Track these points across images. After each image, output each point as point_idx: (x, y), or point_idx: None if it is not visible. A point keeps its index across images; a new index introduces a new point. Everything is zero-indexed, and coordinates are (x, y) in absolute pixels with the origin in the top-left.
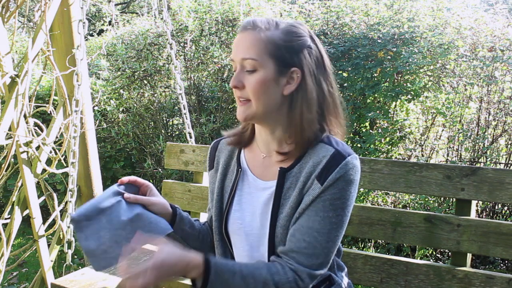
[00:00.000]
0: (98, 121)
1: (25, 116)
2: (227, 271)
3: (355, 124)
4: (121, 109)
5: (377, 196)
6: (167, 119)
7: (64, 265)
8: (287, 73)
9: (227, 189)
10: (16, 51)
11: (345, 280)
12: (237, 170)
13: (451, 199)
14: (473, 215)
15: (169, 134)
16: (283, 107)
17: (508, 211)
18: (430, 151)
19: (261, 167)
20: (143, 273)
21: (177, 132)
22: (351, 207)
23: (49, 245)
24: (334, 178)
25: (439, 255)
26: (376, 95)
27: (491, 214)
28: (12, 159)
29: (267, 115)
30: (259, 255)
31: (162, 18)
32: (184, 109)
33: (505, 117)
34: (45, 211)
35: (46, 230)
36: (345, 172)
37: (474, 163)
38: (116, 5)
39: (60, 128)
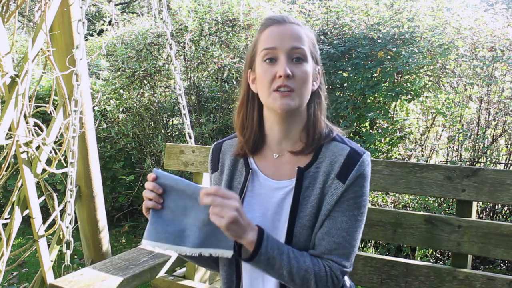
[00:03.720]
0: (98, 121)
1: (25, 116)
2: (277, 248)
3: (355, 124)
4: (121, 109)
5: (377, 196)
6: (167, 119)
7: (63, 265)
8: (316, 69)
9: (235, 191)
10: (16, 51)
11: (347, 282)
12: (247, 171)
13: (451, 199)
14: (473, 216)
15: (169, 134)
16: (306, 103)
17: (508, 211)
18: (430, 151)
19: (272, 167)
20: (225, 209)
21: (177, 132)
22: (367, 202)
23: (49, 245)
24: (354, 176)
25: (439, 255)
26: (376, 95)
27: (491, 214)
28: (12, 159)
29: (300, 109)
30: None
31: (162, 18)
32: (184, 109)
33: (505, 117)
34: (45, 211)
35: (46, 230)
36: (363, 169)
37: (474, 163)
38: (116, 5)
39: (60, 128)
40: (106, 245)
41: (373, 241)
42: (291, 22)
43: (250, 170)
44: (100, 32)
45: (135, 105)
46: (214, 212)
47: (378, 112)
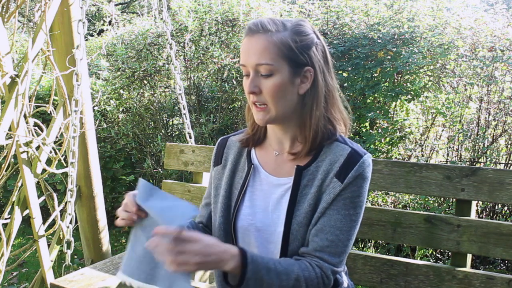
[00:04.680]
0: (98, 121)
1: (25, 116)
2: (263, 267)
3: (355, 124)
4: (121, 109)
5: (377, 196)
6: (167, 119)
7: (64, 265)
8: (301, 73)
9: (236, 186)
10: (16, 51)
11: (346, 281)
12: (249, 167)
13: (451, 199)
14: (473, 215)
15: (169, 134)
16: (297, 106)
17: (508, 211)
18: (430, 151)
19: (273, 164)
20: (187, 256)
21: (177, 132)
22: (365, 203)
23: (49, 245)
24: (353, 176)
25: (439, 255)
26: (376, 95)
27: (491, 214)
28: (12, 159)
29: (285, 116)
30: (267, 252)
31: (162, 18)
32: (184, 109)
33: (505, 117)
34: (45, 211)
35: (46, 230)
36: (363, 170)
37: (474, 163)
38: (116, 5)
39: (60, 128)
40: (106, 245)
41: (373, 241)
42: (261, 30)
43: (252, 166)
44: (100, 32)
45: (135, 105)
46: (177, 261)
47: (378, 112)
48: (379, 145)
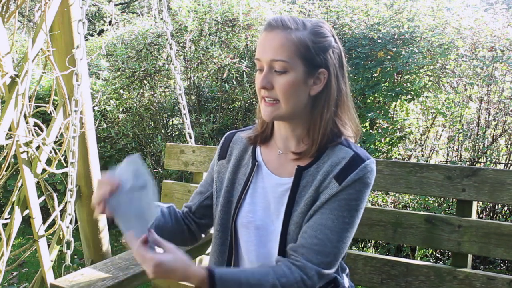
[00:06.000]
0: (98, 121)
1: (25, 116)
2: (233, 284)
3: None
4: (121, 109)
5: (377, 196)
6: (167, 119)
7: (64, 265)
8: (315, 74)
9: (240, 182)
10: (16, 51)
11: (347, 282)
12: (253, 164)
13: (451, 199)
14: (473, 216)
15: (169, 134)
16: (307, 107)
17: (508, 211)
18: (430, 151)
19: (276, 163)
20: (146, 262)
21: (177, 132)
22: (363, 209)
23: (49, 245)
24: (352, 179)
25: (439, 255)
26: (376, 95)
27: (491, 214)
28: (12, 159)
29: (293, 115)
30: (266, 251)
31: (162, 18)
32: (184, 109)
33: (505, 117)
34: (45, 211)
35: (46, 230)
36: (364, 174)
37: (474, 163)
38: (116, 5)
39: (60, 128)
40: (106, 245)
41: (373, 241)
42: (280, 27)
43: (256, 163)
44: (100, 32)
45: (135, 105)
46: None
47: (378, 112)
48: (379, 145)
